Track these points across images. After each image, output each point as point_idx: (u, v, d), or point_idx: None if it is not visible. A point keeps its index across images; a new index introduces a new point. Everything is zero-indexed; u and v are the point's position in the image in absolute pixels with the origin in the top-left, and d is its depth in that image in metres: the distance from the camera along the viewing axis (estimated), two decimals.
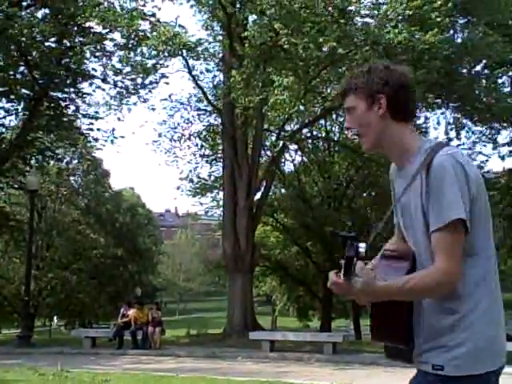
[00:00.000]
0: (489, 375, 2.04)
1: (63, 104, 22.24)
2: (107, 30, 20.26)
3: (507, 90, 21.76)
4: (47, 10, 20.97)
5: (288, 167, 29.61)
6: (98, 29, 20.65)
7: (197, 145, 26.24)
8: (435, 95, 21.69)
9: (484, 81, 20.72)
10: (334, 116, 26.86)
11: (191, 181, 27.12)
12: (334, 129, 28.74)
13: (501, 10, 18.71)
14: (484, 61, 19.82)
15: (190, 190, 27.36)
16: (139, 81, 21.39)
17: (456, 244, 2.01)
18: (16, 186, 24.53)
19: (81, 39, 21.32)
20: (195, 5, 21.77)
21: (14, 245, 31.74)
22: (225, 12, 19.35)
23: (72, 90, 22.03)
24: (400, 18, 16.94)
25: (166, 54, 19.72)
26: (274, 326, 39.49)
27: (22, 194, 28.21)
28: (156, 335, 17.69)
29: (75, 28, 20.83)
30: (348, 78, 2.30)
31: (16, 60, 20.51)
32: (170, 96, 24.65)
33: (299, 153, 28.64)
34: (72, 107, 22.51)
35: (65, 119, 22.21)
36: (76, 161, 34.85)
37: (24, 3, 20.81)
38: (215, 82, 24.53)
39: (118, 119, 24.47)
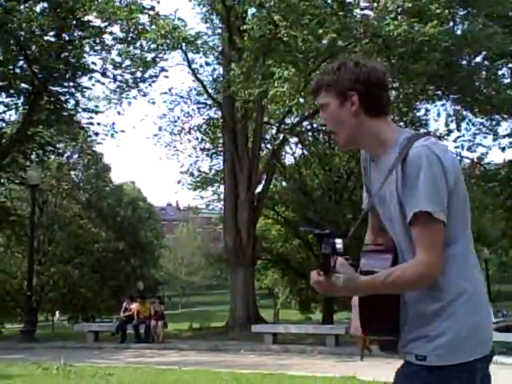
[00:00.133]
0: (474, 363, 2.04)
1: (63, 98, 22.25)
2: (106, 23, 20.23)
3: (507, 81, 21.69)
4: (46, 4, 20.95)
5: (288, 160, 29.62)
6: (97, 22, 20.65)
7: (197, 138, 26.27)
8: (435, 87, 21.66)
9: (484, 72, 20.66)
10: None
11: (192, 174, 27.14)
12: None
13: (501, 2, 18.65)
14: (484, 52, 19.75)
15: (190, 184, 27.38)
16: (139, 74, 21.38)
17: (435, 236, 2.01)
18: (17, 180, 24.56)
19: (80, 33, 21.31)
20: None
21: (15, 240, 31.77)
22: (224, 5, 19.31)
23: (71, 84, 22.03)
24: (399, 10, 16.89)
25: (166, 47, 19.68)
26: (276, 319, 39.55)
27: (23, 188, 28.22)
28: (159, 329, 17.74)
29: (74, 22, 20.80)
30: (319, 75, 2.28)
31: (15, 54, 20.50)
32: (169, 90, 24.68)
33: (300, 145, 28.61)
34: (72, 101, 22.56)
35: (65, 113, 22.21)
36: (76, 155, 34.85)
37: None
38: (215, 76, 24.54)
39: (118, 113, 24.57)
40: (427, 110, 25.57)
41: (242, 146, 21.20)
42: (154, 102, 24.10)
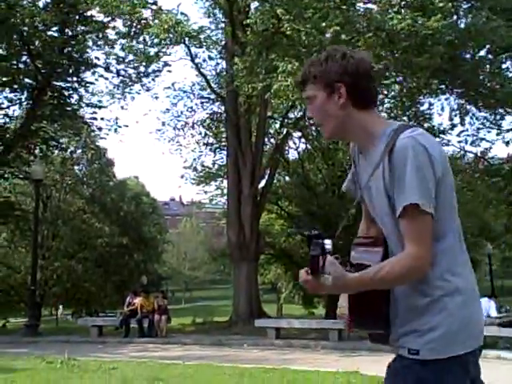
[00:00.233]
0: (466, 356, 2.04)
1: (66, 93, 22.27)
2: (109, 18, 20.22)
3: (511, 75, 21.62)
4: None
5: (292, 155, 29.60)
6: (100, 17, 20.63)
7: (200, 133, 26.29)
8: (439, 81, 21.59)
9: (488, 66, 20.58)
10: None
11: (195, 169, 27.18)
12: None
13: None
14: (488, 46, 19.67)
15: (194, 179, 27.42)
16: (142, 69, 21.40)
17: (423, 228, 1.99)
18: (21, 175, 24.59)
19: (83, 28, 21.30)
20: None
21: (19, 234, 31.89)
22: None
23: (75, 79, 22.05)
24: (403, 3, 16.84)
25: (169, 41, 19.67)
26: (279, 314, 39.60)
27: (27, 183, 28.26)
28: (162, 323, 17.78)
29: (77, 17, 20.80)
30: (306, 66, 2.25)
31: (18, 49, 20.52)
32: (173, 84, 24.71)
33: (303, 140, 28.57)
34: (75, 96, 22.59)
35: (68, 108, 22.23)
36: (80, 150, 34.88)
37: None
38: (218, 70, 24.54)
39: (122, 108, 24.61)
40: (431, 104, 25.46)
41: (246, 141, 21.19)
42: (157, 97, 24.27)
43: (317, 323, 17.72)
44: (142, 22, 19.57)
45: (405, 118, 26.28)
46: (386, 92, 25.05)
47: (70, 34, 21.30)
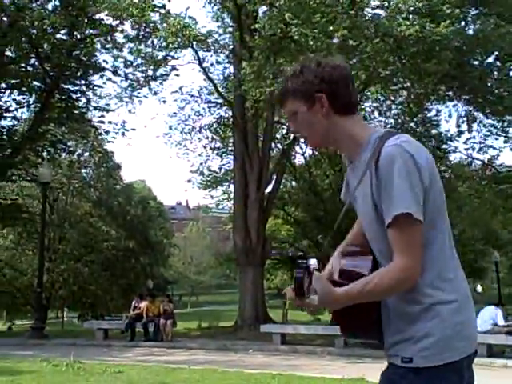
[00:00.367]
0: (460, 362, 2.01)
1: (74, 96, 22.34)
2: (117, 21, 20.28)
3: None
4: (58, 2, 21.03)
5: (299, 160, 29.58)
6: (109, 20, 20.70)
7: (207, 137, 26.30)
8: (447, 87, 21.55)
9: (496, 73, 20.54)
10: None
11: (202, 173, 27.18)
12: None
13: None
14: (496, 52, 19.63)
15: (200, 183, 27.43)
16: (150, 73, 21.44)
17: (411, 238, 1.97)
18: (28, 178, 24.66)
19: (91, 31, 21.36)
20: None
21: (26, 237, 32.00)
22: (235, 3, 19.29)
23: (83, 82, 22.13)
24: (411, 9, 16.82)
25: (177, 45, 19.71)
26: (285, 319, 39.52)
27: (34, 186, 28.34)
28: (168, 327, 17.77)
29: (86, 20, 20.87)
30: (282, 82, 2.23)
31: (27, 52, 20.60)
32: (180, 88, 24.75)
33: None
34: (83, 99, 22.65)
35: (76, 111, 22.31)
36: (87, 153, 34.96)
37: None
38: (226, 74, 24.55)
39: (129, 111, 24.66)
40: (438, 111, 25.47)
41: (253, 146, 21.19)
42: (164, 101, 24.30)
43: (322, 329, 17.63)
44: (151, 25, 19.61)
45: (412, 125, 26.32)
46: (392, 98, 25.06)
47: (78, 37, 21.38)
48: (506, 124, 23.11)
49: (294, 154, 27.60)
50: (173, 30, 18.55)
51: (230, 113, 22.99)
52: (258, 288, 21.32)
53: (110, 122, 23.32)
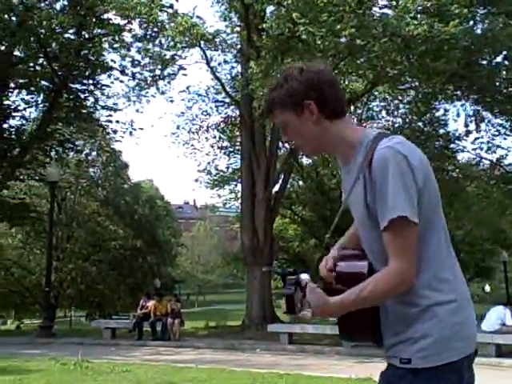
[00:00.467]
0: (460, 362, 2.00)
1: (82, 96, 22.39)
2: (125, 21, 20.32)
3: None
4: (66, 2, 21.08)
5: (306, 159, 29.54)
6: (117, 20, 20.75)
7: (215, 137, 26.34)
8: (455, 87, 21.49)
9: (504, 72, 20.46)
10: (352, 108, 26.72)
11: (209, 173, 27.22)
12: (352, 120, 28.60)
13: None
14: (504, 52, 19.55)
15: (208, 182, 27.47)
16: (158, 72, 21.47)
17: (406, 241, 1.96)
18: (36, 177, 24.75)
19: (99, 30, 21.41)
20: None
21: (34, 236, 32.10)
22: (242, 3, 19.29)
23: (91, 81, 22.17)
24: (419, 9, 16.77)
25: (184, 44, 19.73)
26: (292, 319, 39.51)
27: (43, 185, 28.43)
28: (175, 326, 17.79)
29: (94, 19, 20.91)
30: (268, 93, 2.21)
31: (35, 52, 20.67)
32: (188, 88, 24.83)
33: None
34: (91, 99, 22.70)
35: (84, 111, 22.37)
36: (95, 152, 35.02)
37: None
38: (233, 74, 24.57)
39: (137, 111, 24.75)
40: (446, 110, 25.42)
41: (260, 145, 21.19)
42: (172, 101, 24.41)
43: (330, 329, 17.56)
44: (158, 24, 19.64)
45: (420, 124, 26.27)
46: (400, 97, 25.02)
47: (86, 36, 21.42)
48: None
49: (301, 153, 27.59)
50: (180, 29, 18.58)
51: (238, 112, 23.00)
52: (266, 287, 21.31)
53: (117, 122, 23.39)
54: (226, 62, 24.09)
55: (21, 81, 21.49)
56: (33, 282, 32.27)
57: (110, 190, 36.86)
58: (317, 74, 2.12)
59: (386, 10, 18.26)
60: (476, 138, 24.58)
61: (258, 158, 20.97)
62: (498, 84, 20.22)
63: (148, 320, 18.00)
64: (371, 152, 2.00)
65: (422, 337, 1.99)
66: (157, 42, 20.42)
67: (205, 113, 25.67)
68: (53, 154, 23.54)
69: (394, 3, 17.32)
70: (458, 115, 29.04)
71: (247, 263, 21.87)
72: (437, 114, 25.60)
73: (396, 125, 27.13)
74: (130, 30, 20.93)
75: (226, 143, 26.64)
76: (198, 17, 19.74)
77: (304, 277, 2.02)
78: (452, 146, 26.01)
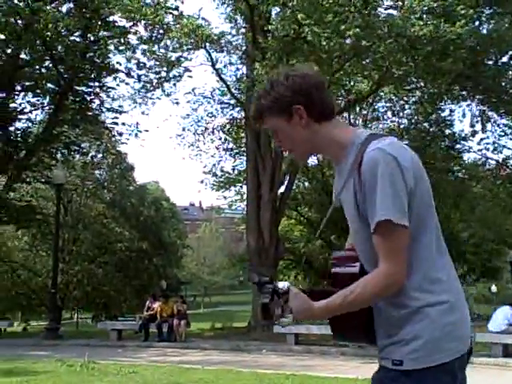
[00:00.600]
0: (453, 363, 1.99)
1: (88, 98, 22.45)
2: (131, 23, 20.37)
3: None
4: (71, 4, 21.15)
5: (312, 160, 29.50)
6: (122, 22, 20.81)
7: (220, 138, 26.33)
8: (461, 87, 21.46)
9: (510, 72, 20.43)
10: (357, 109, 26.73)
11: (215, 174, 27.21)
12: (357, 122, 28.61)
13: None
14: (510, 52, 19.53)
15: (213, 184, 27.46)
16: (163, 74, 21.50)
17: (394, 244, 1.95)
18: (43, 179, 24.81)
19: (105, 33, 21.47)
20: None
21: (41, 238, 32.18)
22: (248, 4, 19.31)
23: (97, 84, 22.23)
24: (425, 9, 16.76)
25: (190, 46, 19.76)
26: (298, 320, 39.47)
27: (49, 187, 28.50)
28: (181, 328, 17.80)
29: (99, 22, 20.97)
30: (255, 101, 2.23)
31: (41, 55, 20.73)
32: (193, 90, 24.73)
33: None
34: (97, 101, 22.76)
35: (90, 113, 22.42)
36: (101, 155, 35.07)
37: None
38: (238, 75, 24.54)
39: (143, 113, 24.68)
40: (452, 111, 25.37)
41: (265, 146, 21.17)
42: (177, 102, 24.24)
43: None
44: (164, 26, 19.67)
45: (426, 125, 26.24)
46: (406, 98, 25.00)
47: (92, 39, 21.48)
48: None
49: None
50: (185, 30, 18.61)
51: (243, 113, 23.00)
52: None
53: (123, 124, 23.43)
54: (231, 63, 24.11)
55: (27, 83, 21.56)
56: (39, 284, 32.34)
57: (116, 192, 36.91)
58: (302, 79, 2.12)
59: (391, 11, 18.28)
60: (482, 139, 24.55)
61: (263, 159, 20.97)
62: (503, 84, 20.18)
63: (154, 321, 18.01)
64: (361, 154, 2.00)
65: (413, 338, 1.98)
66: (162, 43, 20.46)
67: (210, 114, 25.69)
68: (59, 156, 23.60)
69: (400, 4, 17.33)
70: (464, 115, 28.82)
71: (253, 264, 21.85)
72: (443, 115, 25.56)
73: (402, 126, 27.10)
74: (135, 33, 21.00)
75: (231, 145, 26.64)
76: (203, 19, 19.80)
77: (282, 285, 2.02)
78: (458, 146, 25.96)
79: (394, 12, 17.96)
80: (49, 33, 20.00)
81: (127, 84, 22.76)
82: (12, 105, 22.11)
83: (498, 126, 23.73)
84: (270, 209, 20.95)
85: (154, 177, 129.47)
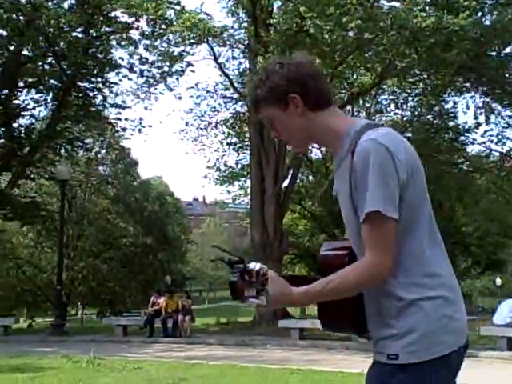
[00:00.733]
0: (450, 356, 1.96)
1: (91, 94, 22.47)
2: (133, 18, 20.33)
3: None
4: (73, 0, 21.13)
5: (315, 154, 29.50)
6: (124, 18, 20.77)
7: (223, 133, 26.31)
8: (464, 78, 21.37)
9: None
10: (360, 102, 26.63)
11: (218, 169, 27.20)
12: (360, 114, 28.52)
13: None
14: None
15: (217, 179, 27.45)
16: (166, 69, 21.47)
17: (381, 235, 1.92)
18: (46, 176, 24.85)
19: (107, 28, 21.45)
20: None
21: (45, 234, 32.25)
22: None
23: (99, 79, 22.24)
24: (428, 0, 16.69)
25: (192, 40, 19.71)
26: (303, 314, 39.52)
27: (53, 184, 28.54)
28: (186, 323, 17.83)
29: (101, 17, 20.95)
30: (251, 91, 2.20)
31: (44, 51, 20.75)
32: (196, 84, 24.73)
33: None
34: (100, 97, 22.79)
35: (93, 109, 22.44)
36: (104, 150, 35.09)
37: None
38: (241, 69, 24.50)
39: (146, 108, 24.66)
40: (455, 103, 25.26)
41: (269, 140, 21.12)
42: (180, 97, 24.24)
43: None
44: (166, 21, 19.62)
45: (429, 117, 26.14)
46: (409, 90, 24.91)
47: (94, 34, 21.49)
48: None
49: (310, 148, 27.53)
50: (188, 24, 18.55)
51: (246, 108, 22.96)
52: None
53: (126, 119, 23.45)
54: (233, 57, 24.06)
55: (30, 80, 21.58)
56: (44, 281, 32.41)
57: (120, 188, 36.93)
58: (297, 67, 2.10)
59: (393, 3, 18.20)
60: (486, 131, 24.44)
61: (266, 153, 20.94)
62: (507, 75, 20.10)
63: (159, 317, 18.05)
64: (354, 144, 1.98)
65: (408, 332, 1.94)
66: (164, 38, 20.41)
67: (213, 109, 25.66)
68: (62, 152, 23.62)
69: None
70: (468, 107, 28.67)
71: (257, 259, 21.82)
72: (446, 107, 25.45)
73: (405, 118, 27.02)
74: (137, 28, 20.96)
75: (234, 139, 26.62)
76: (205, 13, 19.74)
77: (253, 265, 1.97)
78: (462, 138, 25.86)
79: (397, 4, 17.87)
80: (51, 29, 20.00)
81: (130, 79, 22.74)
82: (15, 101, 22.13)
83: (502, 117, 23.63)
84: (273, 203, 20.94)
85: (157, 172, 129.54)
